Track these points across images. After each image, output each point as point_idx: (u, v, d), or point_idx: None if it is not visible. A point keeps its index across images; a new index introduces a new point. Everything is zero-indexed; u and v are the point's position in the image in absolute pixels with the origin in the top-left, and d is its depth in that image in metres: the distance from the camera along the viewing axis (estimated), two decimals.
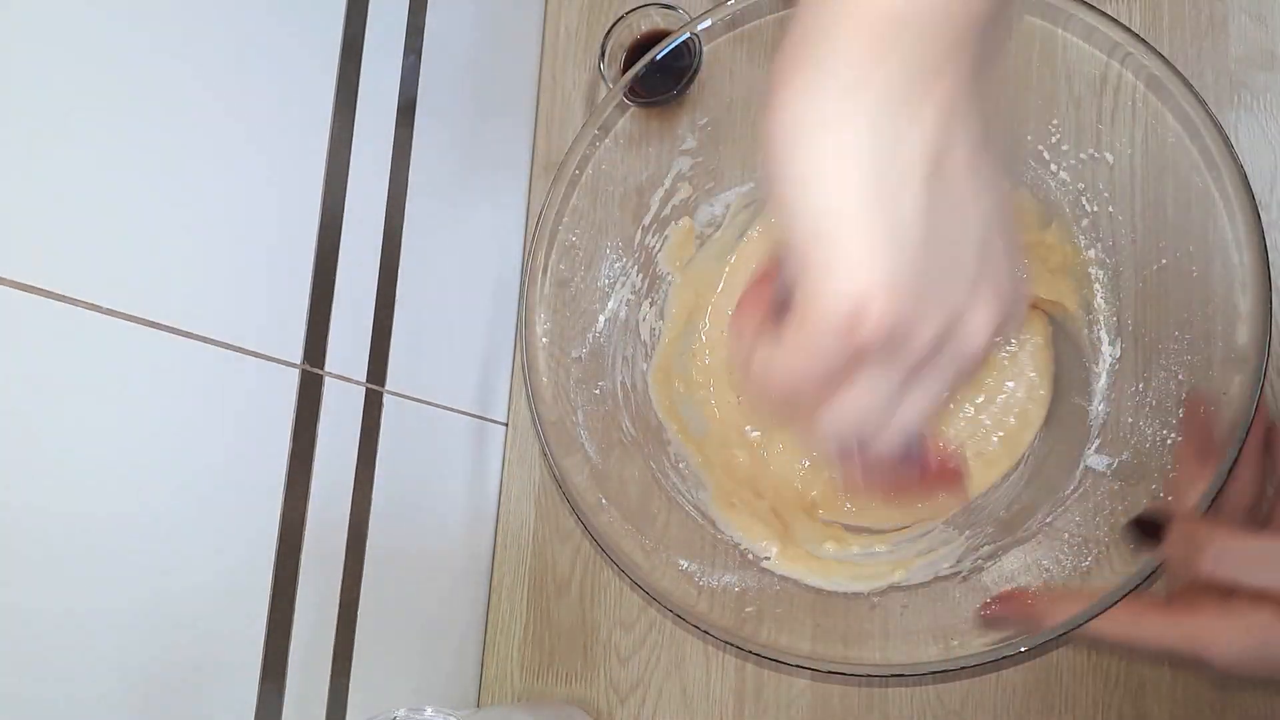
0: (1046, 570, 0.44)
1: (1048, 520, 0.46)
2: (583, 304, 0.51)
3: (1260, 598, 0.34)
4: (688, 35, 0.51)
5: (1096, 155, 0.47)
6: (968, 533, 0.49)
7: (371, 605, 0.46)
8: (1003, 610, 0.42)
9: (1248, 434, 0.38)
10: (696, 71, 0.54)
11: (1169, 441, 0.43)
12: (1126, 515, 0.38)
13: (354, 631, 0.45)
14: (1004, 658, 0.40)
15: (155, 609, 0.34)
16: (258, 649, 0.39)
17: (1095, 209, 0.48)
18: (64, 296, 0.30)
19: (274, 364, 0.40)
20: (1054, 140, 0.48)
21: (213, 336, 0.36)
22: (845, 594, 0.48)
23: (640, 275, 0.53)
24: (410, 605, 0.51)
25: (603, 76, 0.58)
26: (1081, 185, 0.48)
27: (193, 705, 0.36)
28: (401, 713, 0.41)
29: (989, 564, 0.46)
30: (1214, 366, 0.42)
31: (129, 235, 0.33)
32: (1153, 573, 0.37)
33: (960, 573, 0.47)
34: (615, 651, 0.56)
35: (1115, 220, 0.47)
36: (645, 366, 0.53)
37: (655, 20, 0.59)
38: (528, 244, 0.50)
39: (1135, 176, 0.46)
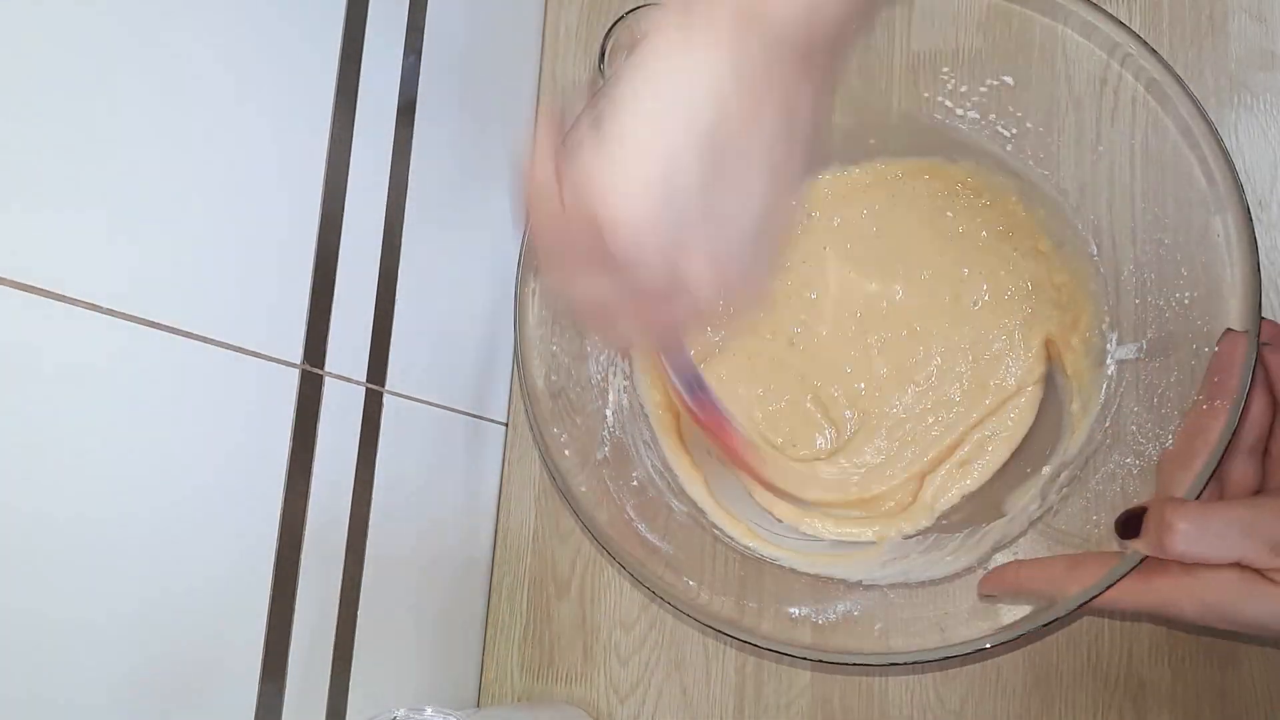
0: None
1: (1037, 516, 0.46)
2: (586, 407, 0.52)
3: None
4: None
5: (1098, 153, 0.48)
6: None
7: (371, 605, 0.46)
8: (995, 583, 0.43)
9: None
10: None
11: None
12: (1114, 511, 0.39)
13: (354, 631, 0.45)
14: (1002, 644, 0.41)
15: (154, 609, 0.34)
16: (257, 649, 0.39)
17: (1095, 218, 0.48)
18: (63, 296, 0.30)
19: (273, 364, 0.40)
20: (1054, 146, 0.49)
21: (212, 336, 0.36)
22: (846, 582, 0.48)
23: (625, 359, 0.54)
24: (410, 605, 0.51)
25: (603, 76, 0.58)
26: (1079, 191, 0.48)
27: (192, 705, 0.36)
28: (401, 713, 0.41)
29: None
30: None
31: (127, 235, 0.33)
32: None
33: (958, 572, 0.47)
34: (615, 652, 0.56)
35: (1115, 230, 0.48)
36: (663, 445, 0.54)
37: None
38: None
39: (1135, 179, 0.46)
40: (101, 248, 0.32)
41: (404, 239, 0.49)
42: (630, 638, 0.56)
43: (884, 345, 0.53)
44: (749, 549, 0.50)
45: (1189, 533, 0.35)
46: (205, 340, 0.36)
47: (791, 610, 0.47)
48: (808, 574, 0.49)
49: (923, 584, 0.47)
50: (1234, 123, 0.52)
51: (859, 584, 0.48)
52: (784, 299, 0.54)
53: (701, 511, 0.52)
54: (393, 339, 0.48)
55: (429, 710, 0.41)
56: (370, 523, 0.46)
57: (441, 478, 0.54)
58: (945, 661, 0.48)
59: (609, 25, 0.59)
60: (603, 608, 0.57)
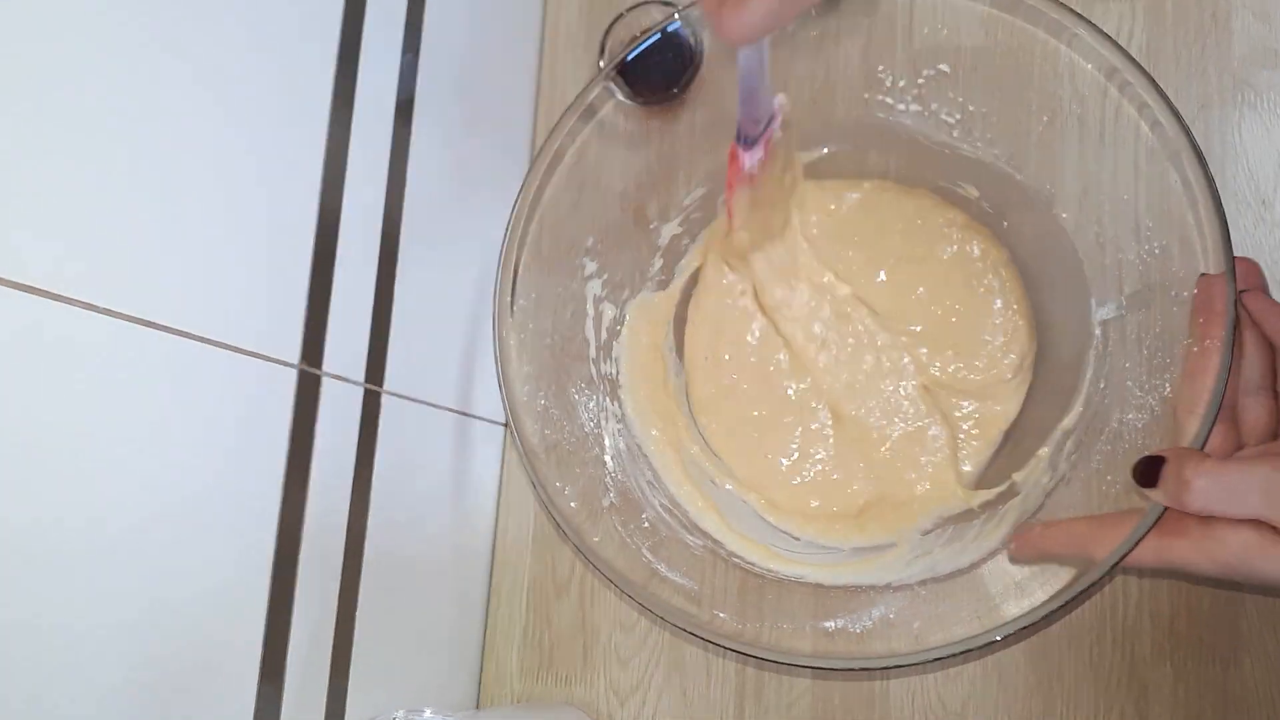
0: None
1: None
2: (584, 456, 0.51)
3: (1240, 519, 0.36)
4: (677, 25, 0.51)
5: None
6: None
7: (370, 606, 0.46)
8: (1023, 546, 0.43)
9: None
10: (696, 71, 0.54)
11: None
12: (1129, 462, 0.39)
13: (352, 633, 0.45)
14: (1039, 619, 0.40)
15: (153, 610, 0.34)
16: (256, 650, 0.39)
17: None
18: (62, 296, 0.30)
19: (271, 364, 0.39)
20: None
21: (210, 336, 0.36)
22: (875, 586, 0.48)
23: (615, 402, 0.54)
24: (409, 606, 0.50)
25: (603, 75, 0.58)
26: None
27: (191, 706, 0.36)
28: (401, 714, 0.41)
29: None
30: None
31: (125, 235, 0.33)
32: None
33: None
34: (615, 653, 0.56)
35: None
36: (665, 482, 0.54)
37: (654, 18, 0.59)
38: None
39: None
40: (100, 248, 0.32)
41: (402, 238, 0.49)
42: (630, 639, 0.56)
43: (862, 345, 0.54)
44: (771, 571, 0.50)
45: (1207, 489, 0.35)
46: (203, 340, 0.36)
47: (826, 624, 0.46)
48: (836, 586, 0.48)
49: (951, 575, 0.46)
50: (1237, 121, 0.52)
51: (888, 587, 0.47)
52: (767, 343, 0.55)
53: (718, 543, 0.51)
54: (391, 339, 0.48)
55: (428, 711, 0.41)
56: (369, 523, 0.46)
57: (440, 478, 0.54)
58: (987, 648, 0.47)
59: (608, 24, 0.59)
60: (602, 609, 0.57)
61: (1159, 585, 0.49)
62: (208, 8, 0.36)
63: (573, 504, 0.47)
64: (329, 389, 0.43)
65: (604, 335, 0.54)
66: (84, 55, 0.31)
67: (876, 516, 0.51)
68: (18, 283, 0.29)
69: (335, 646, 0.44)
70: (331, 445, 0.43)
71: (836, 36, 0.52)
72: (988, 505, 0.49)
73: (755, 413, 0.54)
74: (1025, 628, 0.40)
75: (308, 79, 0.42)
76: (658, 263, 0.56)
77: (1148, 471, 0.37)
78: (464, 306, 0.56)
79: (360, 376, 0.46)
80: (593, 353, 0.53)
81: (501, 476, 0.60)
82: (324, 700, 0.43)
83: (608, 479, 0.51)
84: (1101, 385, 0.47)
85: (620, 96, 0.58)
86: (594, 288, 0.53)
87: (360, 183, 0.45)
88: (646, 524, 0.50)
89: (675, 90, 0.55)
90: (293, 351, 0.41)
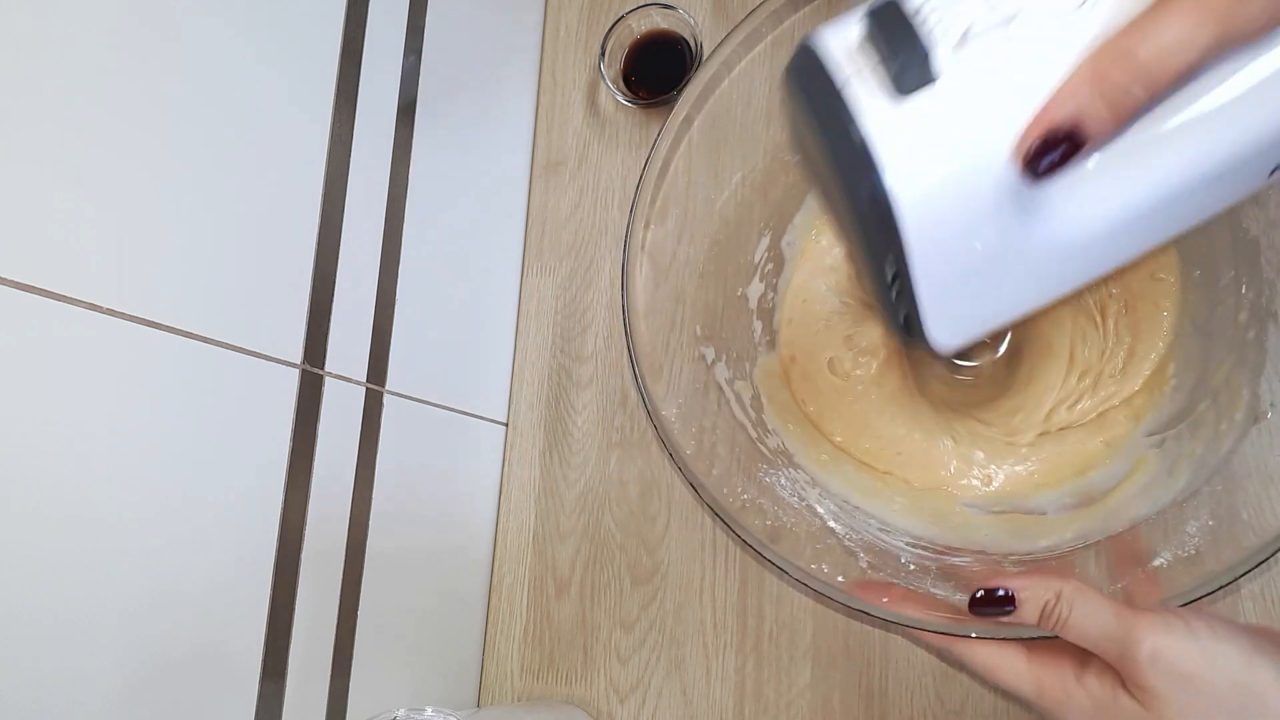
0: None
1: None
2: (811, 530, 0.48)
3: (1107, 669, 0.35)
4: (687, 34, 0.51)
5: None
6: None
7: (371, 605, 0.46)
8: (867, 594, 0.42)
9: None
10: (697, 71, 0.54)
11: None
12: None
13: (354, 631, 0.45)
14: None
15: (156, 609, 0.34)
16: (258, 649, 0.39)
17: None
18: (64, 296, 0.30)
19: (274, 364, 0.40)
20: None
21: (213, 336, 0.36)
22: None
23: (797, 470, 0.52)
24: (410, 605, 0.51)
25: (603, 76, 0.58)
26: None
27: (193, 705, 0.36)
28: (401, 713, 0.41)
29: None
30: None
31: (129, 235, 0.33)
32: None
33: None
34: (615, 652, 0.56)
35: None
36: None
37: (655, 20, 0.59)
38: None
39: None
40: (102, 248, 0.32)
41: (404, 239, 0.49)
42: (630, 638, 0.56)
43: None
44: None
45: (1078, 620, 0.35)
46: (205, 340, 0.36)
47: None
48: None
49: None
50: None
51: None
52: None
53: (982, 549, 0.48)
54: (393, 339, 0.48)
55: (429, 710, 0.41)
56: (370, 522, 0.46)
57: (441, 477, 0.54)
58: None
59: (609, 25, 0.59)
60: (603, 607, 0.57)
61: None
62: (208, 11, 0.36)
63: (839, 578, 0.44)
64: (331, 389, 0.43)
65: (751, 413, 0.52)
66: (85, 59, 0.31)
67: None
68: (25, 284, 0.29)
69: (337, 644, 0.44)
70: (333, 445, 0.43)
71: None
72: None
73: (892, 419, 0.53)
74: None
75: (311, 81, 0.42)
76: (758, 326, 0.55)
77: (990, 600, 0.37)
78: (467, 307, 0.56)
79: (362, 376, 0.46)
80: (752, 433, 0.51)
81: (503, 475, 0.60)
82: (325, 698, 0.43)
83: (847, 543, 0.49)
84: None
85: (621, 98, 0.59)
86: (721, 372, 0.52)
87: (363, 184, 0.45)
88: (912, 566, 0.47)
89: (675, 90, 0.55)
90: (295, 351, 0.41)
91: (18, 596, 0.29)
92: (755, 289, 0.54)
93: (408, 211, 0.49)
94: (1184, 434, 0.45)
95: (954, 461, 0.52)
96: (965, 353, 0.49)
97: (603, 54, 0.58)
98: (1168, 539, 0.41)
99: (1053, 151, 0.26)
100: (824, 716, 0.52)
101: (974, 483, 0.51)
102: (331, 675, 0.44)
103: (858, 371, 0.54)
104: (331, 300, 0.43)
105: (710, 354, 0.50)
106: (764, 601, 0.54)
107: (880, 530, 0.49)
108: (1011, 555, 0.45)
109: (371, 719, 0.41)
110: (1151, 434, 0.47)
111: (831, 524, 0.48)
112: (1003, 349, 0.50)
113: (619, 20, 0.58)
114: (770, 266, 0.54)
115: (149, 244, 0.34)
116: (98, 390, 0.32)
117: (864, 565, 0.46)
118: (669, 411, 0.45)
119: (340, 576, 0.44)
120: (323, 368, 0.43)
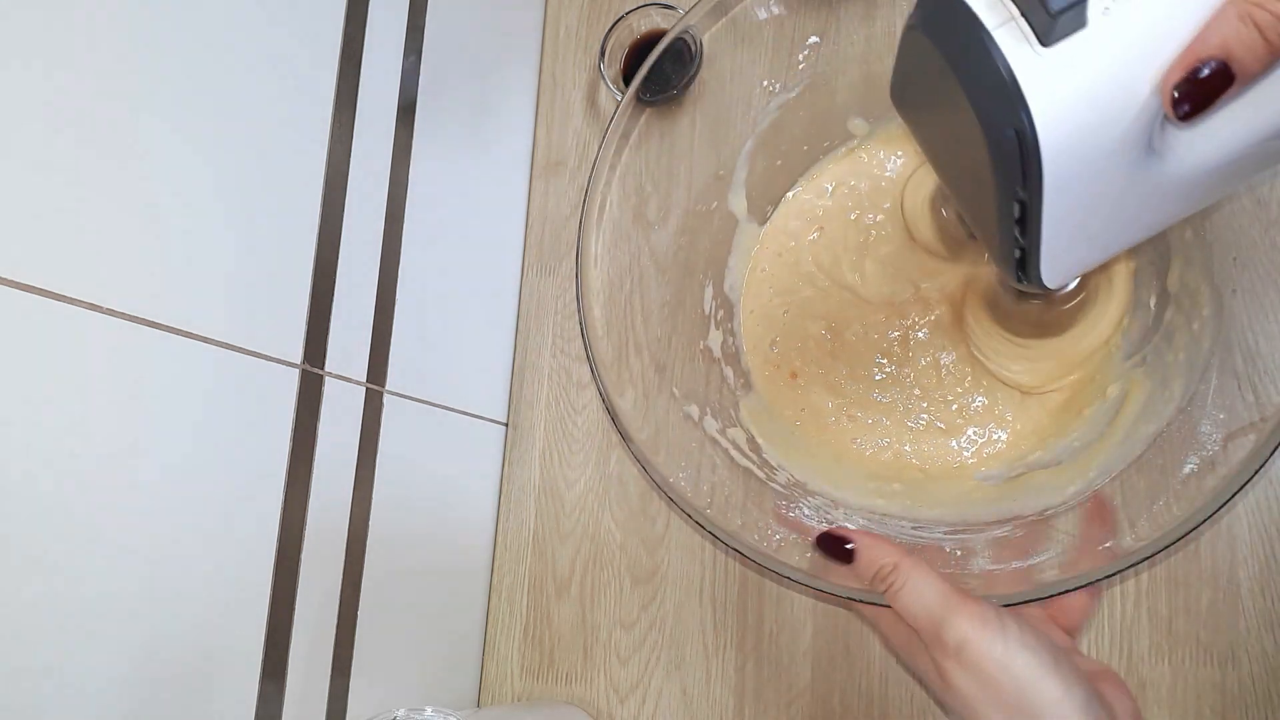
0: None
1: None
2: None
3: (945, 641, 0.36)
4: (682, 31, 0.51)
5: None
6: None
7: (371, 605, 0.46)
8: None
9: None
10: (697, 71, 0.54)
11: None
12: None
13: (354, 631, 0.45)
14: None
15: (156, 609, 0.34)
16: (258, 648, 0.39)
17: None
18: (64, 296, 0.30)
19: (274, 364, 0.40)
20: None
21: (213, 336, 0.36)
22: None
23: (814, 495, 0.52)
24: (410, 605, 0.51)
25: (603, 76, 0.58)
26: None
27: (194, 705, 0.36)
28: (401, 713, 0.41)
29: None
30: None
31: (127, 236, 0.33)
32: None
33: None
34: (615, 652, 0.56)
35: None
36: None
37: (655, 20, 0.59)
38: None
39: None
40: (102, 248, 0.32)
41: (404, 239, 0.49)
42: (630, 638, 0.56)
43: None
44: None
45: (901, 592, 0.36)
46: (206, 340, 0.36)
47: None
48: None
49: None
50: None
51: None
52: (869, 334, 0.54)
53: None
54: (393, 339, 0.48)
55: (429, 710, 0.41)
56: (370, 522, 0.46)
57: (442, 477, 0.54)
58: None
59: (609, 25, 0.59)
60: (603, 608, 0.57)
61: (1157, 585, 0.50)
62: (209, 10, 0.36)
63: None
64: (331, 389, 0.43)
65: (752, 455, 0.52)
66: (86, 59, 0.31)
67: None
68: (26, 284, 0.29)
69: (337, 644, 0.44)
70: (334, 445, 0.43)
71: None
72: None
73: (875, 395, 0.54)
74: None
75: (311, 81, 0.42)
76: (729, 372, 0.55)
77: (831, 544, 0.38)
78: (467, 307, 0.56)
79: (362, 376, 0.46)
80: (760, 474, 0.51)
81: (503, 475, 0.61)
82: (325, 697, 0.43)
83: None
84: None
85: (621, 98, 0.59)
86: (710, 425, 0.52)
87: (363, 184, 0.45)
88: (959, 553, 0.47)
89: (675, 91, 0.55)
90: (295, 351, 0.41)
91: (17, 596, 0.29)
92: (715, 338, 0.55)
93: (408, 211, 0.49)
94: (1161, 346, 0.47)
95: (959, 437, 0.53)
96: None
97: (603, 54, 0.58)
98: (1187, 446, 0.42)
99: (1204, 87, 0.27)
100: (824, 716, 0.52)
101: (984, 453, 0.52)
102: (331, 675, 0.44)
103: (844, 370, 0.54)
104: (331, 300, 0.43)
105: (695, 411, 0.51)
106: (764, 601, 0.54)
107: (915, 529, 0.49)
108: (1047, 510, 0.46)
109: (371, 719, 0.41)
110: (1130, 356, 0.48)
111: (861, 520, 0.49)
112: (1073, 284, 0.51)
113: (619, 20, 0.59)
114: (721, 313, 0.55)
115: (149, 244, 0.34)
116: (97, 390, 0.32)
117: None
118: (676, 478, 0.45)
119: (340, 576, 0.44)
120: (323, 368, 0.43)
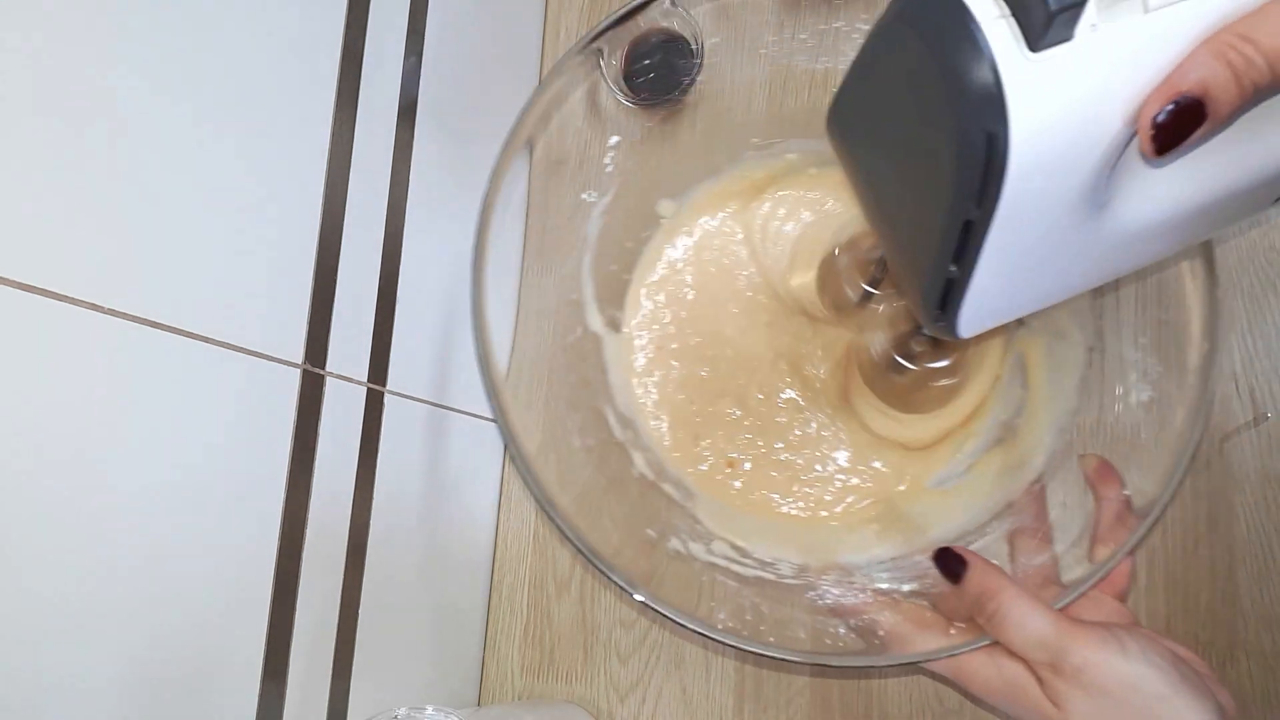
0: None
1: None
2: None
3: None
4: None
5: None
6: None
7: (372, 605, 0.46)
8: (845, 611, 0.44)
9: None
10: (698, 72, 0.54)
11: None
12: None
13: (355, 631, 0.45)
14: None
15: (156, 609, 0.34)
16: (259, 648, 0.39)
17: None
18: (64, 296, 0.30)
19: (275, 364, 0.40)
20: None
21: (214, 336, 0.36)
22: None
23: (699, 522, 0.53)
24: (411, 605, 0.51)
25: (603, 77, 0.58)
26: None
27: (194, 705, 0.36)
28: (402, 712, 0.42)
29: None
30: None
31: (128, 235, 0.33)
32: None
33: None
34: (615, 651, 0.56)
35: None
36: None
37: (655, 19, 0.59)
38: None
39: None
40: (102, 248, 0.32)
41: (405, 239, 0.49)
42: (630, 636, 0.56)
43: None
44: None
45: (1000, 619, 0.36)
46: (206, 340, 0.36)
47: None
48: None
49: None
50: None
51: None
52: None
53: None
54: (394, 339, 0.48)
55: (430, 709, 0.41)
56: (371, 522, 0.46)
57: (442, 477, 0.54)
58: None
59: (608, 25, 0.59)
60: (603, 607, 0.57)
61: (1156, 585, 0.50)
62: (210, 11, 0.36)
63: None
64: (332, 389, 0.43)
65: (749, 560, 0.51)
66: (86, 58, 0.31)
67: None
68: (26, 284, 0.29)
69: (338, 644, 0.44)
70: (334, 445, 0.43)
71: None
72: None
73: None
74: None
75: (312, 82, 0.42)
76: (669, 488, 0.54)
77: (950, 559, 0.39)
78: (468, 307, 0.56)
79: (363, 376, 0.46)
80: (770, 575, 0.51)
81: (503, 475, 0.61)
82: (326, 697, 0.43)
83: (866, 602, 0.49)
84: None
85: (622, 99, 0.59)
86: (694, 549, 0.51)
87: (364, 184, 0.45)
88: (914, 587, 0.48)
89: (676, 91, 0.55)
90: (296, 351, 0.41)
91: (17, 597, 0.29)
92: (640, 460, 0.54)
93: (408, 211, 0.49)
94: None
95: (890, 462, 0.53)
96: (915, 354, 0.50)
97: (603, 54, 0.58)
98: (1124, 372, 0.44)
99: (1179, 121, 0.26)
100: (824, 716, 0.53)
101: (927, 464, 0.53)
102: (332, 675, 0.44)
103: (777, 444, 0.54)
104: (333, 300, 0.43)
105: (678, 545, 0.51)
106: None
107: (885, 573, 0.49)
108: (1035, 485, 0.47)
109: (372, 718, 0.41)
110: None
111: (849, 599, 0.48)
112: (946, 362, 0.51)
113: (620, 20, 0.58)
114: (629, 434, 0.55)
115: (150, 244, 0.34)
116: (97, 390, 0.32)
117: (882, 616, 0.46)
118: (715, 619, 0.45)
119: (341, 576, 0.44)
120: (324, 368, 0.43)
